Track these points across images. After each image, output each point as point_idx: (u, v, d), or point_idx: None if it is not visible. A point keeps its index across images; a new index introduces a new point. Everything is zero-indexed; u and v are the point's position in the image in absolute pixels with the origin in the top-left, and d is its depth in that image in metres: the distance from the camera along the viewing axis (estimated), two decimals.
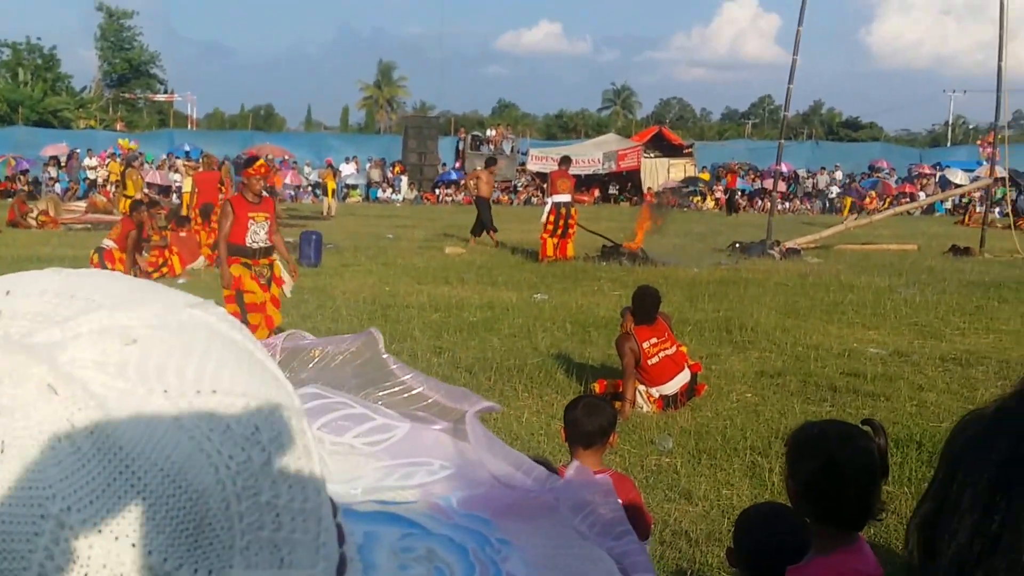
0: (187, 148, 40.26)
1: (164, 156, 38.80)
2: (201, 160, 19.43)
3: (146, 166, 34.68)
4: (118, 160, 30.53)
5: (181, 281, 13.35)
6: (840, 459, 2.43)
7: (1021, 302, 11.95)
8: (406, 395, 1.33)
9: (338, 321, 10.17)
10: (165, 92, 65.81)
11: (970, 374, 7.92)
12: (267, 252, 8.52)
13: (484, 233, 19.34)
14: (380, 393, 1.34)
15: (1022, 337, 9.66)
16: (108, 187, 31.02)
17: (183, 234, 15.31)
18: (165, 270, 13.80)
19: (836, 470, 2.42)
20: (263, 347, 0.59)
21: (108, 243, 13.39)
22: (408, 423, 1.19)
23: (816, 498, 2.44)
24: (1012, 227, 21.36)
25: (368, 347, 1.42)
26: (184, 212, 18.34)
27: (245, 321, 7.78)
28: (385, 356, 1.41)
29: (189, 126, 56.98)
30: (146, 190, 23.31)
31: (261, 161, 8.94)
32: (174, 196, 29.60)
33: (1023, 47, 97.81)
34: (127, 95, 63.86)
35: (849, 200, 35.47)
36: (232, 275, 8.29)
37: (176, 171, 33.74)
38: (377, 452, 1.14)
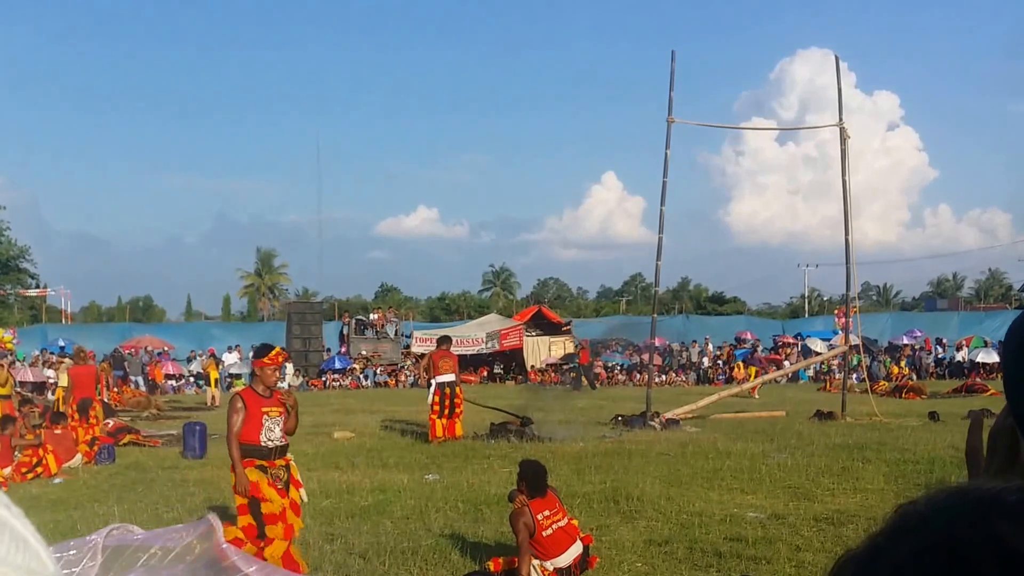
0: (62, 343, 39.00)
1: (37, 352, 37.50)
2: (75, 354, 18.87)
3: (17, 364, 33.43)
4: None
5: (57, 481, 12.80)
6: None
7: (883, 462, 12.56)
8: None
9: (226, 514, 9.90)
10: (37, 287, 64.01)
11: (842, 533, 8.25)
12: (283, 451, 7.57)
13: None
14: None
15: (886, 495, 10.12)
16: None
17: (58, 431, 14.75)
18: (40, 470, 13.20)
19: None
20: (28, 524, 0.61)
21: None
22: None
23: None
24: (869, 391, 22.50)
25: (205, 538, 1.41)
26: (60, 408, 17.72)
27: (262, 534, 7.12)
28: (225, 546, 1.40)
29: (64, 320, 55.35)
30: (18, 388, 22.45)
31: (278, 349, 7.96)
32: (49, 393, 28.52)
33: (867, 223, 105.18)
34: None
35: (753, 369, 35.99)
36: (249, 480, 7.23)
37: (50, 367, 32.59)
38: None
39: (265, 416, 7.40)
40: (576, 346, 39.66)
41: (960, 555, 0.64)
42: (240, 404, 7.47)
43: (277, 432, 7.48)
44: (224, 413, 21.93)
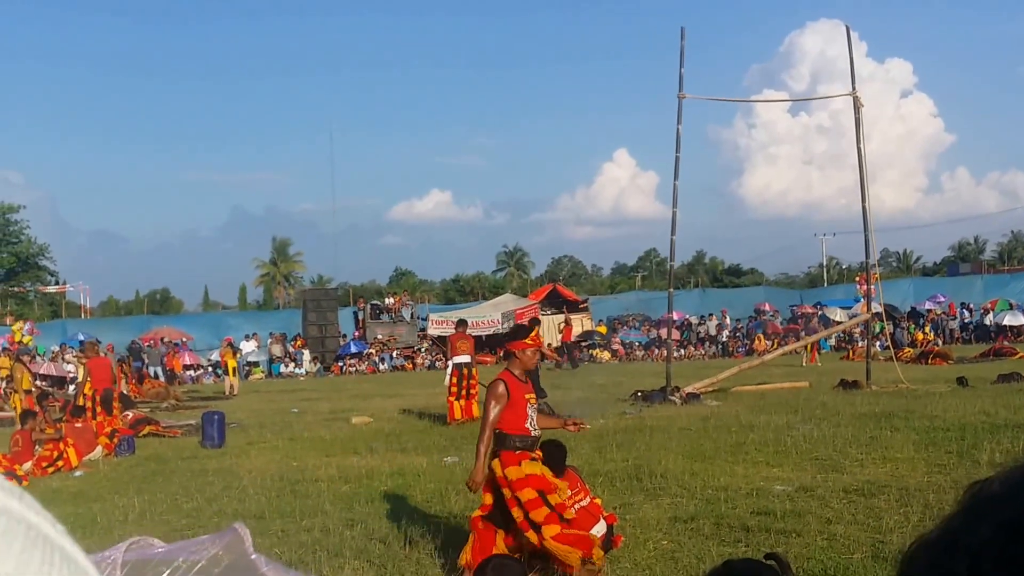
0: (81, 337, 39.18)
1: (57, 347, 37.70)
2: (87, 347, 18.87)
3: (38, 359, 33.60)
4: (8, 355, 29.49)
5: (78, 474, 12.77)
6: None
7: (912, 430, 12.35)
8: None
9: (245, 501, 9.84)
10: (56, 283, 64.35)
11: (873, 504, 8.07)
12: (538, 443, 6.87)
13: None
14: None
15: (917, 464, 9.94)
16: None
17: (79, 424, 14.75)
18: (60, 463, 13.17)
19: None
20: (72, 542, 0.55)
21: None
22: None
23: None
24: (893, 359, 22.24)
25: (233, 548, 1.26)
26: (80, 402, 17.76)
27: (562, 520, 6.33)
28: (254, 557, 1.25)
29: (83, 315, 55.63)
30: (38, 383, 22.55)
31: (537, 330, 7.37)
32: (69, 387, 28.63)
33: (884, 190, 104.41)
34: (16, 289, 62.28)
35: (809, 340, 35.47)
36: (531, 473, 6.46)
37: (70, 361, 32.74)
38: None
39: (528, 403, 6.73)
40: (561, 324, 39.32)
41: None
42: (503, 390, 6.64)
43: (534, 420, 6.76)
44: (243, 401, 22.04)
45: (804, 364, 28.87)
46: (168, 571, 1.28)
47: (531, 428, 6.64)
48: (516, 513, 6.40)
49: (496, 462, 6.59)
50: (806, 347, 29.32)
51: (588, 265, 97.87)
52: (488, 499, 6.67)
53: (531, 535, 6.34)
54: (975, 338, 38.90)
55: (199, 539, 1.29)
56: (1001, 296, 42.31)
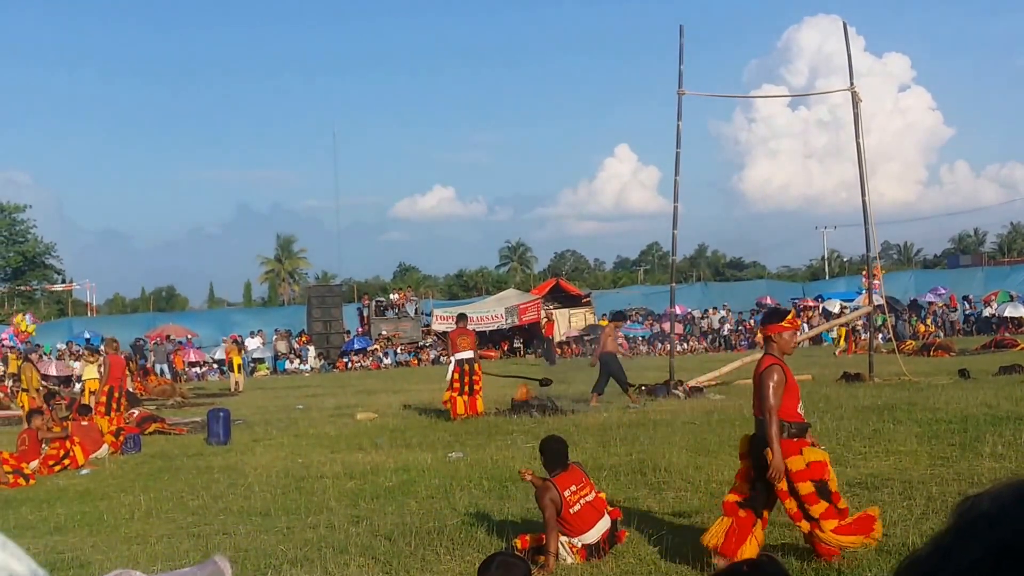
0: (87, 335, 39.23)
1: (63, 345, 37.72)
2: (107, 344, 18.91)
3: (44, 357, 33.60)
4: (16, 353, 29.50)
5: (84, 472, 12.76)
6: None
7: (915, 422, 12.30)
8: None
9: (250, 499, 9.82)
10: (63, 282, 64.42)
11: (877, 497, 8.03)
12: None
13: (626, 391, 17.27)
14: None
15: (920, 457, 9.89)
16: (6, 382, 29.85)
17: (85, 423, 14.73)
18: (67, 461, 13.16)
19: None
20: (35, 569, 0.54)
21: None
22: None
23: None
24: (896, 351, 22.18)
25: None
26: (86, 400, 17.76)
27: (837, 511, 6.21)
28: None
29: (89, 313, 55.67)
30: (44, 382, 22.52)
31: (793, 312, 7.01)
32: (76, 385, 28.62)
33: (884, 183, 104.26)
34: (23, 287, 62.33)
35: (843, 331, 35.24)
36: (814, 460, 6.28)
37: (77, 359, 32.73)
38: None
39: (800, 388, 6.42)
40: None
41: None
42: (779, 376, 6.39)
43: (801, 404, 6.53)
44: (248, 398, 22.01)
45: (837, 355, 28.87)
46: None
47: (803, 413, 6.49)
48: (789, 504, 6.29)
49: (742, 444, 6.62)
50: (840, 339, 29.16)
51: (591, 260, 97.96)
52: (744, 486, 6.51)
53: (803, 524, 6.27)
54: (976, 330, 38.82)
55: (180, 572, 1.25)
56: (1002, 288, 42.23)
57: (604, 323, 42.43)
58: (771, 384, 6.31)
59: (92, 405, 16.81)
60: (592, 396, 17.06)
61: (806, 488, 6.18)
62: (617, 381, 17.17)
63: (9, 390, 25.31)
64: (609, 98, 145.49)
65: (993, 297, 40.78)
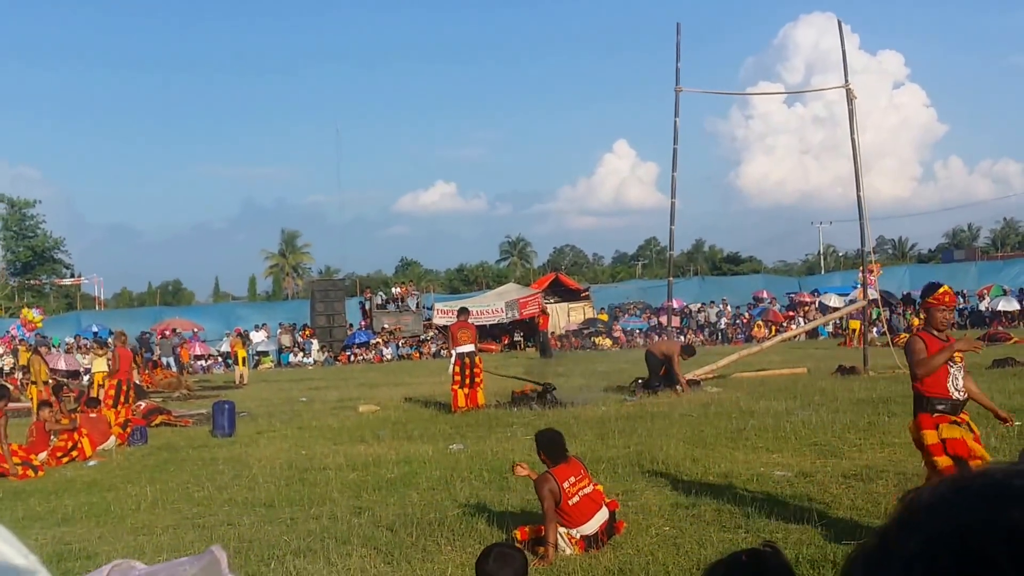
0: (95, 329, 39.25)
1: (72, 339, 37.73)
2: (116, 337, 18.97)
3: (53, 350, 33.58)
4: (25, 346, 29.51)
5: (92, 463, 12.75)
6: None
7: (909, 415, 12.20)
8: None
9: (255, 490, 9.82)
10: (71, 276, 64.49)
11: (872, 489, 8.03)
12: (964, 406, 6.48)
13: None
14: None
15: (914, 450, 9.84)
16: (15, 374, 29.86)
17: (93, 415, 14.73)
18: (75, 453, 13.17)
19: None
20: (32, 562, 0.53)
21: None
22: None
23: None
24: (890, 344, 22.15)
25: (209, 570, 1.22)
26: (95, 393, 17.75)
27: None
28: None
29: (97, 307, 55.70)
30: (52, 375, 22.50)
31: (946, 287, 6.70)
32: (84, 378, 28.62)
33: (879, 179, 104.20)
34: (32, 281, 62.36)
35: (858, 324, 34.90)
36: (948, 438, 6.15)
37: (85, 353, 32.74)
38: None
39: (951, 362, 6.27)
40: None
41: (972, 546, 0.61)
42: (922, 345, 6.24)
43: (960, 382, 6.34)
44: (253, 391, 22.03)
45: (848, 346, 28.82)
46: None
47: (953, 390, 6.26)
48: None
49: (912, 423, 6.48)
50: (849, 332, 29.06)
51: (589, 254, 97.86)
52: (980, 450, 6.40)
53: None
54: (970, 324, 38.75)
55: (179, 561, 1.25)
56: (995, 282, 42.16)
57: (604, 317, 42.50)
58: (916, 352, 6.34)
59: (100, 397, 16.83)
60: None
61: (943, 462, 6.10)
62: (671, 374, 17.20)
63: (19, 382, 25.33)
64: (608, 95, 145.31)
65: (987, 291, 40.72)
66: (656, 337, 33.99)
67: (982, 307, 39.74)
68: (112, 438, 14.34)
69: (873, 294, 22.36)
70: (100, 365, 23.76)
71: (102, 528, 8.46)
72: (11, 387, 23.37)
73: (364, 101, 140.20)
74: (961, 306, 40.95)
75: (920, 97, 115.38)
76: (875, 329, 27.48)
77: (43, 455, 12.80)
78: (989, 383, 15.50)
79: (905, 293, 42.20)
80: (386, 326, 41.38)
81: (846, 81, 20.46)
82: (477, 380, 16.23)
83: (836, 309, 34.99)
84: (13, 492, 10.72)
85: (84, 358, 32.29)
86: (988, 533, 0.62)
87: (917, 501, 0.68)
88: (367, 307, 43.05)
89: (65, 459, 13.01)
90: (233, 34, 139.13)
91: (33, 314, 30.28)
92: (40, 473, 12.04)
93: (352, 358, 39.19)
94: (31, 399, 18.40)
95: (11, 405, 14.06)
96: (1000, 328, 32.68)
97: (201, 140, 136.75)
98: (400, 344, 40.27)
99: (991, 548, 0.61)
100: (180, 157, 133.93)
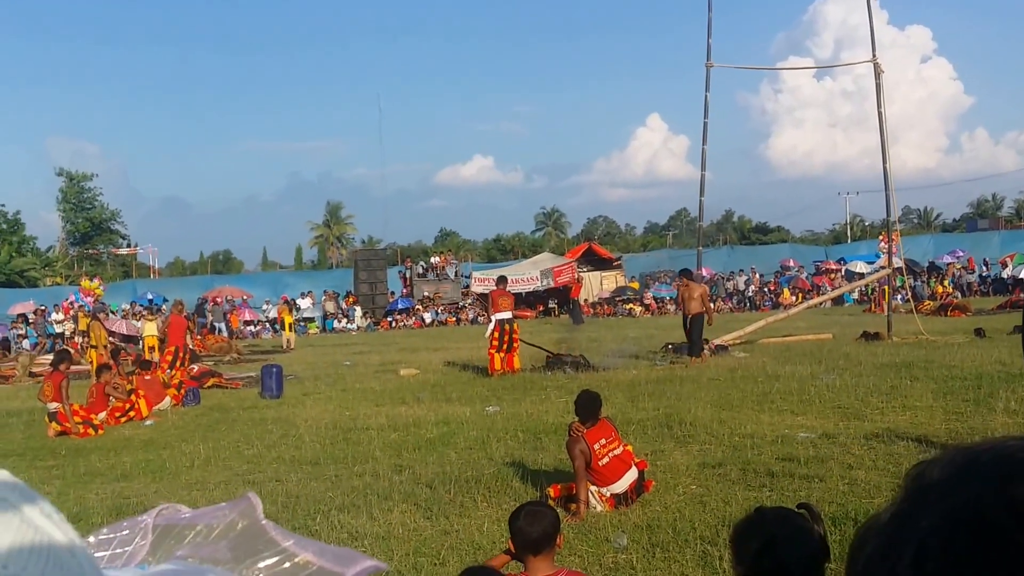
0: (150, 296, 39.86)
1: (128, 306, 38.31)
2: (174, 305, 19.31)
3: (112, 316, 34.13)
4: (85, 312, 30.02)
5: (148, 423, 12.99)
6: (779, 537, 2.37)
7: (931, 379, 12.14)
8: (288, 564, 1.17)
9: (301, 448, 9.94)
10: (127, 246, 65.39)
11: (893, 450, 7.96)
12: None
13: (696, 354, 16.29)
14: (261, 564, 1.18)
15: (935, 413, 9.77)
16: (76, 338, 30.41)
17: (148, 377, 14.99)
18: (132, 413, 13.42)
19: (775, 549, 2.36)
20: (51, 515, 0.53)
21: (52, 406, 12.63)
22: None
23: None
24: (914, 311, 21.87)
25: (246, 515, 1.25)
26: (147, 356, 18.05)
27: None
28: (264, 522, 1.24)
29: (151, 275, 56.44)
30: (111, 339, 22.88)
31: None
32: (139, 342, 29.10)
33: (906, 150, 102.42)
34: (91, 251, 63.31)
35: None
36: None
37: (139, 319, 33.25)
38: None
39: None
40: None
41: (985, 521, 0.60)
42: None
43: None
44: (299, 355, 22.24)
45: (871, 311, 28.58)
46: (192, 534, 1.28)
47: None
48: None
49: None
50: (878, 293, 28.76)
51: (622, 225, 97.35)
52: None
53: None
54: (992, 291, 38.15)
55: (218, 506, 1.30)
56: (1018, 251, 41.39)
57: (635, 285, 42.30)
58: None
59: (154, 360, 17.11)
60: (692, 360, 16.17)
61: None
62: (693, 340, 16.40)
63: (79, 346, 25.78)
64: (642, 70, 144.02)
65: (1009, 259, 40.02)
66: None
67: (1005, 275, 39.06)
68: (168, 399, 14.57)
69: (897, 262, 22.02)
70: (150, 329, 24.19)
71: (158, 483, 8.62)
72: (72, 351, 23.81)
73: (406, 77, 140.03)
74: (984, 274, 40.32)
75: (947, 70, 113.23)
76: (899, 296, 27.15)
77: (102, 415, 13.04)
78: (1011, 348, 15.26)
79: (930, 261, 41.63)
80: (426, 294, 41.56)
81: (874, 56, 20.10)
82: (514, 345, 16.27)
83: (862, 275, 34.61)
84: (75, 449, 10.96)
85: (138, 323, 32.80)
86: (1001, 507, 0.60)
87: (927, 476, 0.66)
88: (407, 276, 43.24)
89: (123, 419, 13.25)
90: (282, 10, 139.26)
91: (92, 283, 30.76)
92: (100, 432, 12.29)
93: (393, 324, 39.44)
94: (90, 362, 18.73)
95: (72, 368, 14.29)
96: (1022, 295, 32.10)
97: (250, 116, 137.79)
98: (439, 311, 40.44)
99: (1005, 522, 0.60)
100: (230, 132, 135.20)
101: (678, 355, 17.45)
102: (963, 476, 0.64)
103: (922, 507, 0.64)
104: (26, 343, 33.74)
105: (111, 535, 1.20)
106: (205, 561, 1.11)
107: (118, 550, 1.16)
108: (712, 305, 17.88)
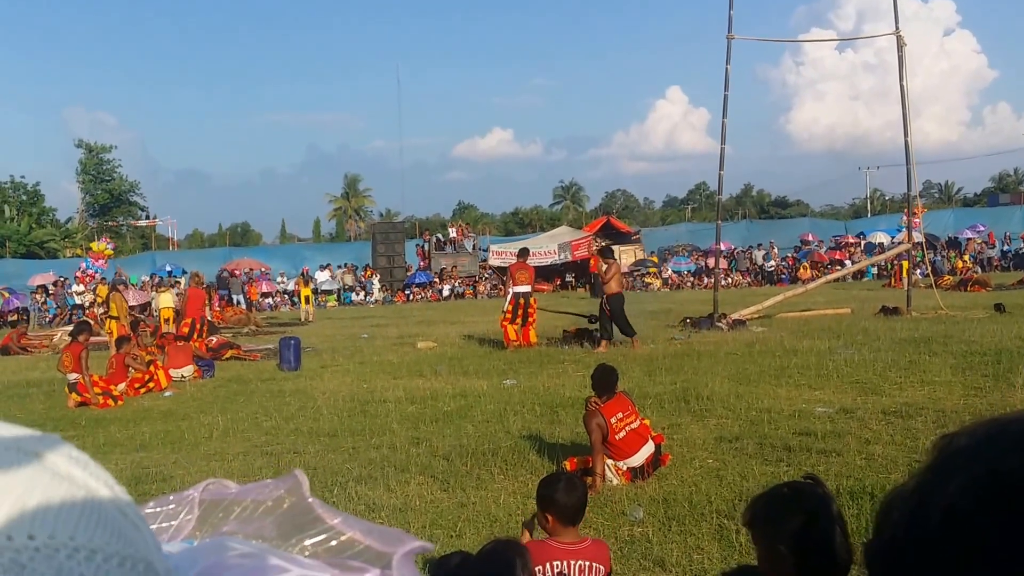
0: (169, 268, 40.08)
1: (147, 277, 38.56)
2: (192, 277, 19.46)
3: (131, 287, 34.32)
4: (103, 282, 30.20)
5: (168, 394, 13.09)
6: (819, 509, 2.39)
7: (950, 355, 12.05)
8: (335, 542, 1.17)
9: (319, 420, 10.00)
10: (147, 218, 65.71)
11: (911, 425, 7.92)
12: None
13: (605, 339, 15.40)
14: (307, 542, 1.18)
15: (954, 388, 9.71)
16: (95, 309, 30.64)
17: (180, 344, 15.23)
18: (152, 384, 13.53)
19: (819, 523, 2.37)
20: (117, 493, 0.51)
21: (72, 376, 12.54)
22: (328, 574, 1.04)
23: (810, 551, 2.37)
24: (933, 286, 21.70)
25: (293, 492, 1.25)
26: (164, 328, 18.17)
27: None
28: (310, 500, 1.24)
29: (170, 247, 56.73)
30: (129, 313, 23.03)
31: None
32: (156, 315, 29.28)
33: (928, 124, 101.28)
34: (110, 223, 63.67)
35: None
36: None
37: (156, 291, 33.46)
38: None
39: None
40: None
41: (1012, 490, 0.59)
42: None
43: None
44: (317, 327, 22.29)
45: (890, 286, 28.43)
46: (239, 510, 1.29)
47: None
48: None
49: None
50: (897, 267, 28.57)
51: (640, 198, 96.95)
52: None
53: None
54: (1013, 266, 37.81)
55: (264, 482, 1.31)
56: None
57: (654, 259, 42.22)
58: None
59: (172, 331, 17.24)
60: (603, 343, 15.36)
61: None
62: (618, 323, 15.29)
63: (98, 317, 25.98)
64: (662, 42, 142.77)
65: None
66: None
67: None
68: (190, 367, 14.67)
69: (918, 237, 21.82)
70: (166, 300, 24.32)
71: (177, 454, 8.70)
72: (91, 322, 24.01)
73: (425, 50, 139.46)
74: (1005, 248, 39.92)
75: (971, 43, 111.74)
76: (919, 271, 26.92)
77: (122, 386, 13.16)
78: None
79: (950, 236, 41.23)
80: (443, 267, 41.58)
81: (897, 28, 19.82)
82: (531, 319, 16.24)
83: (882, 246, 34.32)
84: (95, 420, 11.07)
85: (149, 294, 32.99)
86: None
87: (954, 444, 0.66)
88: (425, 248, 43.25)
89: (142, 390, 13.37)
90: None
91: (100, 245, 30.80)
92: (119, 402, 12.40)
93: (411, 297, 39.53)
94: (109, 333, 18.87)
95: (91, 339, 14.40)
96: None
97: (268, 89, 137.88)
98: (456, 284, 40.48)
99: None
100: (248, 105, 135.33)
101: (697, 328, 17.38)
102: (991, 443, 0.64)
103: (950, 472, 0.64)
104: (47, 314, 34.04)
105: (157, 508, 1.21)
106: (251, 537, 1.11)
107: (164, 524, 1.17)
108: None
